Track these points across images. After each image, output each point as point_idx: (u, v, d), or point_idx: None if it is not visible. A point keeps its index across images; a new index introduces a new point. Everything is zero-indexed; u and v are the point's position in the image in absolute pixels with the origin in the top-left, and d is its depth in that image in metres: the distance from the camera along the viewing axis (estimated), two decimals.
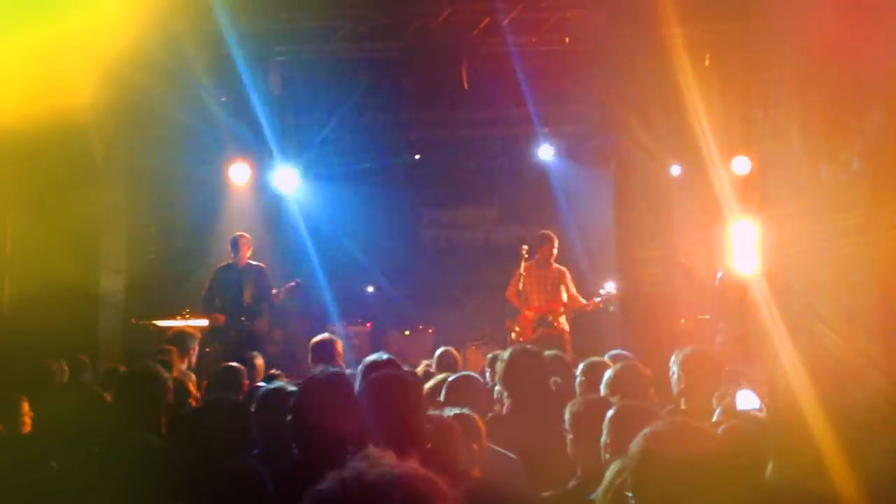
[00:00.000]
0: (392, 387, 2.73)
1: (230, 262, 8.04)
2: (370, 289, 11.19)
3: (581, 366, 4.45)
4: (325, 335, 5.75)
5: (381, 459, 1.22)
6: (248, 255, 8.05)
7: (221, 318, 7.81)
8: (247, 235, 8.15)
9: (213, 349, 7.57)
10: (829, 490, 1.46)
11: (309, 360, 5.53)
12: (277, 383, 3.91)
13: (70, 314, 7.03)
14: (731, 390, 3.84)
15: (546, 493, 2.99)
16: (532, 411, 3.80)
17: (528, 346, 4.34)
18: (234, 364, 5.13)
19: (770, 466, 1.87)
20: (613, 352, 5.34)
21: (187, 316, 9.02)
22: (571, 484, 2.98)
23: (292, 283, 8.20)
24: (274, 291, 8.00)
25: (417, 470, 1.23)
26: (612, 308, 8.72)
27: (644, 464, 1.88)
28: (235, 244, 7.99)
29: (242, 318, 7.84)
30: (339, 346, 5.60)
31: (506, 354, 4.15)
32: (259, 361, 5.77)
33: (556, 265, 8.37)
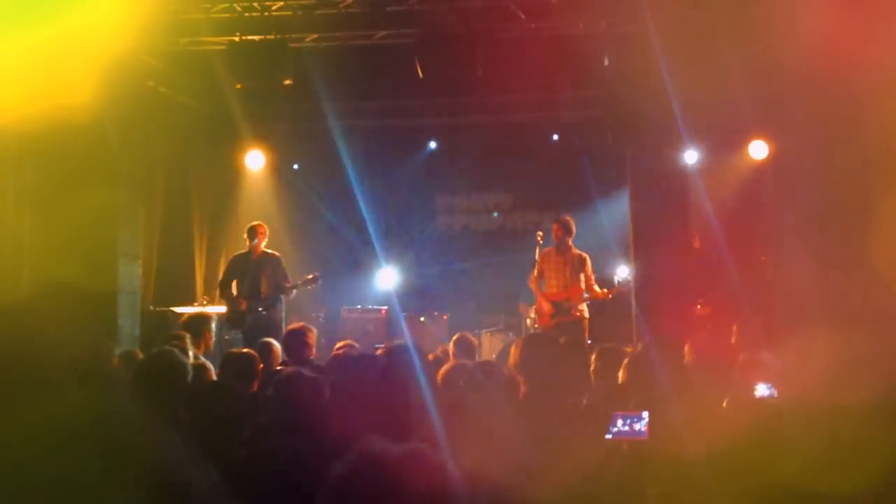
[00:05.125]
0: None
1: (246, 250, 8.10)
2: (384, 275, 11.21)
3: (595, 352, 4.47)
4: (299, 324, 5.76)
5: (385, 444, 1.28)
6: (264, 244, 8.11)
7: (244, 304, 7.88)
8: (263, 225, 8.21)
9: (231, 337, 7.65)
10: (832, 487, 1.46)
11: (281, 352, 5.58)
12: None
13: (88, 302, 7.10)
14: (747, 379, 3.83)
15: None
16: (548, 397, 3.82)
17: (544, 333, 4.36)
18: (247, 351, 5.19)
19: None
20: None
21: (205, 303, 9.12)
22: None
23: (310, 276, 8.20)
24: (289, 285, 8.04)
25: (425, 450, 1.28)
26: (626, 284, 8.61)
27: None
28: (252, 233, 8.06)
29: (259, 307, 7.90)
30: (312, 336, 5.62)
31: (521, 341, 4.16)
32: (276, 348, 5.83)
33: (576, 251, 8.28)
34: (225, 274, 8.20)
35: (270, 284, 7.97)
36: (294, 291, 8.16)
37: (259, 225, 8.17)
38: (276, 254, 8.19)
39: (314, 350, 5.66)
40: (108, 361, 5.26)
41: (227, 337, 7.55)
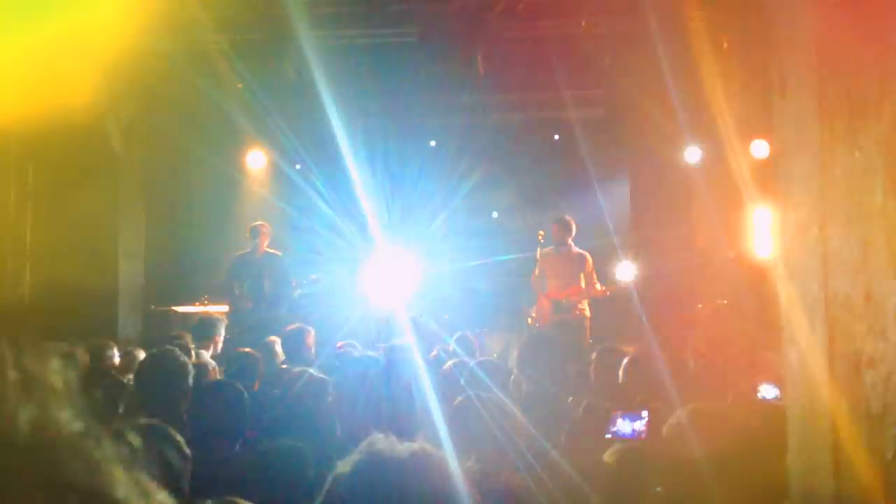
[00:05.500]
0: None
1: (249, 250, 8.11)
2: (387, 274, 11.20)
3: (596, 352, 4.46)
4: (296, 324, 5.88)
5: (390, 443, 1.29)
6: (267, 243, 8.12)
7: (249, 303, 7.90)
8: (267, 224, 8.22)
9: (233, 336, 7.66)
10: (842, 485, 1.46)
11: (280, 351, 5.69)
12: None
13: (90, 300, 7.11)
14: (750, 380, 3.82)
15: None
16: (548, 396, 3.82)
17: (544, 332, 4.36)
18: (249, 350, 5.19)
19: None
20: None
21: (206, 302, 9.12)
22: None
23: (314, 276, 8.25)
24: (293, 285, 8.08)
25: (429, 449, 1.29)
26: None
27: None
28: (255, 233, 8.07)
29: (262, 306, 7.91)
30: (311, 336, 5.75)
31: (522, 340, 4.17)
32: (278, 348, 5.85)
33: (576, 249, 8.29)
34: (227, 273, 8.21)
35: (273, 284, 7.99)
36: (298, 291, 8.18)
37: (262, 224, 8.18)
38: (279, 253, 8.20)
39: (313, 350, 5.72)
40: (105, 360, 5.26)
41: (228, 336, 7.55)
